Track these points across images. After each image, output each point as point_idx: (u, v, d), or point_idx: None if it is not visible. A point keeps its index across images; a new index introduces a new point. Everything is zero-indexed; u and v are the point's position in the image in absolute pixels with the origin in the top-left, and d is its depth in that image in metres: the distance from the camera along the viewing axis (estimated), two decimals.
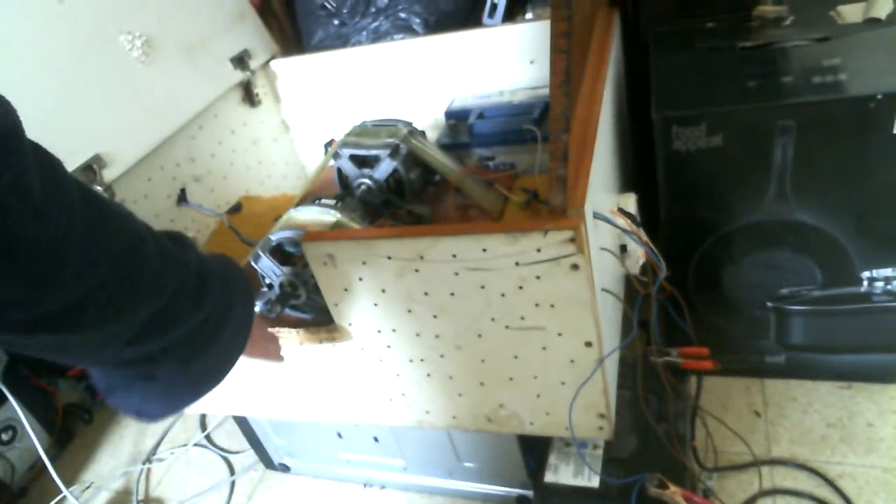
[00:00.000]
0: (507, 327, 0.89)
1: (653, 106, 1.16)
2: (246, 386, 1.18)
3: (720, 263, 1.31)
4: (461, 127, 1.42)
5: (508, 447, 1.22)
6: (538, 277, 0.82)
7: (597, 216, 0.89)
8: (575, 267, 0.79)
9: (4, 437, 1.66)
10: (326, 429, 1.40)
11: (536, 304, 0.85)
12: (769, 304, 1.32)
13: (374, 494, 1.47)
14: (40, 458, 1.65)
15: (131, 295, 0.57)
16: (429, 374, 1.00)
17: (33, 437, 1.64)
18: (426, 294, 0.89)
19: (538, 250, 0.79)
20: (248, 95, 1.59)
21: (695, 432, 1.25)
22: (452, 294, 0.87)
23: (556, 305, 0.84)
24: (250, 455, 1.62)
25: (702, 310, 1.38)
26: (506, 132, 1.35)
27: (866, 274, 1.22)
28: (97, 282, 0.53)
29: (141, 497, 1.64)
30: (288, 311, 1.07)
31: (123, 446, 1.82)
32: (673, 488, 0.94)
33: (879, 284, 1.23)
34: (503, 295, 0.85)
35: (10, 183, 0.44)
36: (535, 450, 1.27)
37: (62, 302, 0.51)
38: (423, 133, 1.29)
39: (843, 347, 1.34)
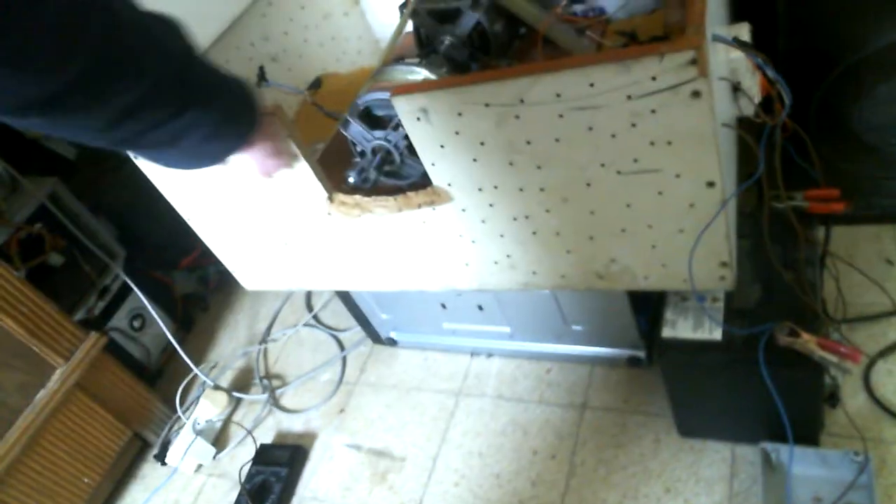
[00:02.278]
0: (618, 172, 0.82)
1: None
2: (346, 260, 1.19)
3: (848, 97, 1.16)
4: None
5: (618, 306, 1.18)
6: (653, 111, 0.74)
7: (716, 38, 0.78)
8: (696, 94, 0.71)
9: (136, 324, 1.79)
10: (430, 300, 1.40)
11: (651, 143, 0.77)
12: None
13: (481, 362, 1.49)
14: (169, 342, 1.77)
15: (107, 86, 0.59)
16: (534, 232, 0.96)
17: (161, 323, 1.75)
18: (528, 142, 0.83)
19: (653, 79, 0.71)
20: None
21: (823, 282, 1.16)
22: (557, 140, 0.81)
23: (673, 143, 0.76)
24: (358, 332, 1.67)
25: (825, 152, 1.24)
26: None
27: None
28: (77, 71, 0.55)
29: (262, 374, 1.74)
30: (383, 178, 1.04)
31: (239, 329, 1.93)
32: (806, 336, 0.88)
33: None
34: (614, 135, 0.78)
35: None
36: (645, 309, 1.23)
37: (44, 88, 0.54)
38: None
39: None
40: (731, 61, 0.98)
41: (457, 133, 0.85)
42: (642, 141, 0.78)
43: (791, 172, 1.13)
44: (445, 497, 1.29)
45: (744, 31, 1.03)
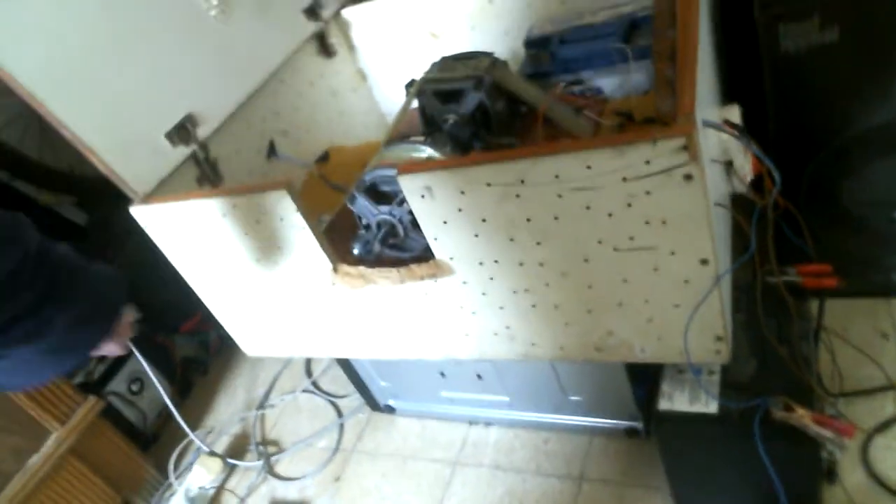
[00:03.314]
0: (615, 249, 0.85)
1: (755, 3, 1.06)
2: (347, 328, 1.20)
3: (838, 175, 1.21)
4: (542, 55, 1.35)
5: (616, 377, 1.19)
6: (648, 193, 0.77)
7: (706, 124, 0.83)
8: (688, 178, 0.74)
9: (134, 388, 1.78)
10: (429, 369, 1.41)
11: (647, 222, 0.81)
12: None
13: (479, 431, 1.48)
14: (166, 406, 1.76)
15: None
16: (534, 305, 0.98)
17: (159, 387, 1.75)
18: (528, 220, 0.86)
19: (647, 162, 0.75)
20: (324, 46, 1.58)
21: (818, 356, 1.18)
22: (556, 218, 0.84)
23: (668, 222, 0.80)
24: (356, 398, 1.67)
25: (818, 228, 1.28)
26: (590, 55, 1.28)
27: None
28: None
29: (258, 439, 1.73)
30: (387, 250, 1.07)
31: (238, 395, 1.92)
32: (801, 411, 0.89)
33: None
34: (610, 215, 0.81)
35: None
36: (643, 380, 1.23)
37: None
38: (505, 63, 1.24)
39: None
40: (722, 141, 1.02)
41: (459, 210, 0.89)
42: (638, 220, 0.81)
43: (784, 248, 1.16)
44: None
45: (734, 114, 1.09)
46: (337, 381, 1.77)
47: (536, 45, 1.36)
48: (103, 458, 1.53)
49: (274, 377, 1.90)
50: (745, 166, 1.07)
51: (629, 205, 0.80)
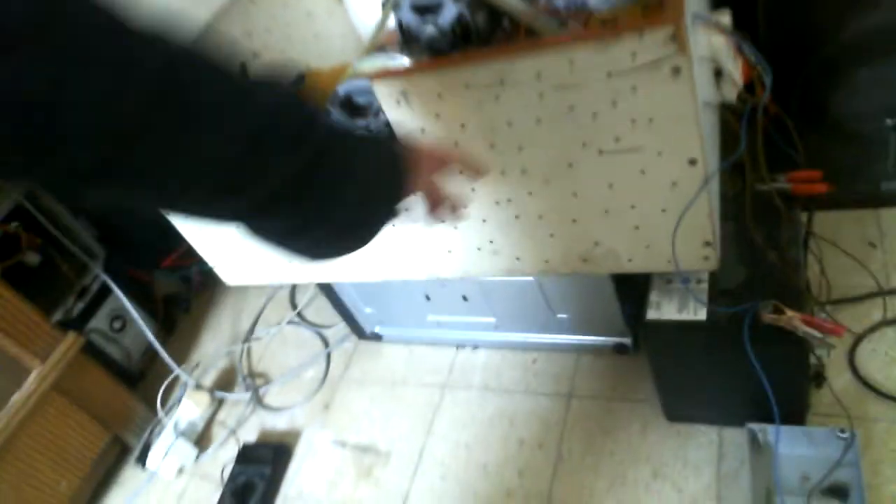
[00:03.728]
0: (600, 152, 0.82)
1: None
2: None
3: (829, 84, 1.17)
4: None
5: (603, 292, 1.18)
6: (634, 88, 0.73)
7: (696, 17, 0.78)
8: (676, 71, 0.70)
9: (116, 325, 1.76)
10: (414, 292, 1.39)
11: (633, 121, 0.77)
12: (889, 121, 1.18)
13: (467, 354, 1.48)
14: (150, 344, 1.74)
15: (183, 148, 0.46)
16: (517, 216, 0.95)
17: (141, 324, 1.73)
18: (509, 124, 0.82)
19: (633, 55, 0.70)
20: None
21: (807, 263, 1.17)
22: (538, 120, 0.80)
23: (654, 120, 0.76)
24: (342, 328, 1.66)
25: (808, 137, 1.25)
26: None
27: None
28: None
29: (246, 372, 1.72)
30: None
31: (222, 329, 1.90)
32: (790, 312, 0.88)
33: None
34: (595, 114, 0.77)
35: None
36: (632, 297, 1.22)
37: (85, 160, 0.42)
38: None
39: None
40: (712, 46, 0.98)
41: (437, 116, 0.84)
42: (624, 119, 0.77)
43: (776, 158, 1.13)
44: (432, 490, 1.27)
45: (725, 17, 1.04)
46: (322, 312, 1.76)
47: None
48: (88, 394, 1.52)
49: (259, 310, 1.88)
50: (736, 72, 1.03)
51: (614, 103, 0.76)
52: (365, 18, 1.62)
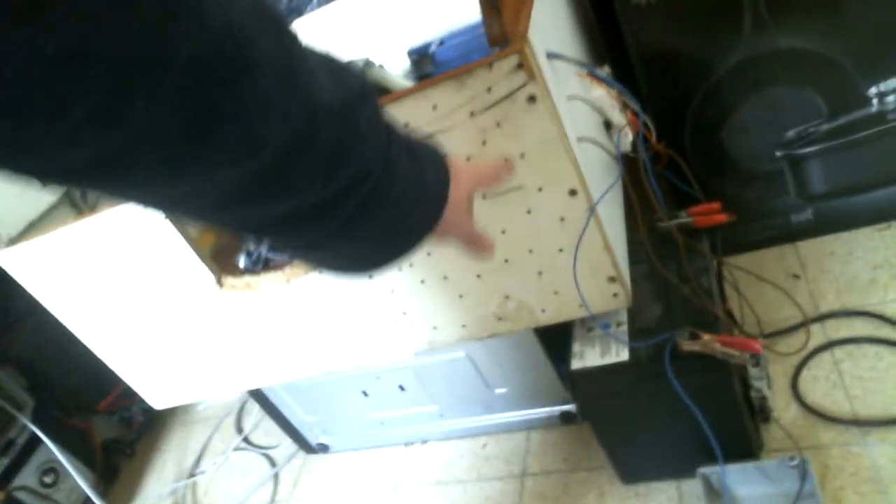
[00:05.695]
0: (483, 197, 0.82)
1: None
2: (251, 354, 1.13)
3: (716, 121, 1.23)
4: (424, 60, 1.36)
5: (534, 355, 1.14)
6: (498, 125, 0.75)
7: (551, 56, 0.82)
8: (532, 99, 0.73)
9: (47, 479, 1.64)
10: (350, 390, 1.34)
11: (505, 161, 0.78)
12: (778, 153, 1.23)
13: (416, 451, 1.40)
14: (88, 496, 1.62)
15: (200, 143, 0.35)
16: (422, 280, 0.94)
17: (75, 476, 1.62)
18: None
19: (489, 90, 0.73)
20: None
21: (725, 295, 1.16)
22: None
23: (526, 154, 0.78)
24: (290, 446, 1.57)
25: (710, 182, 1.29)
26: (469, 53, 1.29)
27: (873, 90, 1.12)
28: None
29: None
30: (270, 254, 1.02)
31: (167, 469, 1.79)
32: (707, 336, 0.86)
33: (891, 99, 1.13)
34: (468, 158, 0.79)
35: None
36: (563, 356, 1.19)
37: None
38: (381, 66, 1.23)
39: (871, 183, 1.23)
40: (596, 98, 1.02)
41: None
42: (496, 158, 0.78)
43: (681, 199, 1.16)
44: None
45: (604, 69, 1.09)
46: (269, 433, 1.67)
47: (417, 52, 1.37)
48: None
49: (204, 443, 1.78)
50: (622, 119, 1.07)
51: (484, 143, 0.77)
52: None
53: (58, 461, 1.64)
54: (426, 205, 0.52)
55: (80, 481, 1.63)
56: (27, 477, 1.60)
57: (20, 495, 1.56)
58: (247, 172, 0.38)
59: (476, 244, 0.62)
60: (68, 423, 1.76)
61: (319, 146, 0.40)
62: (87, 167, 0.34)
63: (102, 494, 1.67)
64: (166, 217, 0.93)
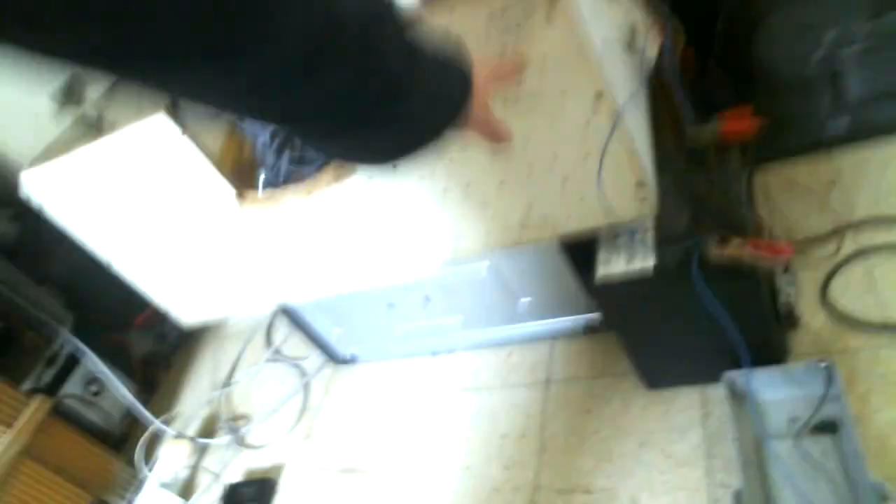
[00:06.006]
0: (504, 100, 0.79)
1: None
2: (278, 271, 1.15)
3: (749, 28, 1.16)
4: None
5: (558, 265, 1.14)
6: (519, 25, 0.72)
7: None
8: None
9: (92, 389, 1.72)
10: (376, 303, 1.35)
11: (518, 55, 0.75)
12: (816, 55, 1.16)
13: (443, 361, 1.43)
14: (132, 405, 1.70)
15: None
16: (445, 189, 0.93)
17: (118, 385, 1.69)
18: None
19: None
20: None
21: (755, 203, 1.13)
22: None
23: (548, 56, 0.74)
24: (319, 357, 1.62)
25: (741, 92, 1.23)
26: None
27: None
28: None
29: (228, 416, 1.67)
30: (293, 166, 1.01)
31: (203, 380, 1.86)
32: (734, 240, 0.84)
33: None
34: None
35: None
36: (588, 266, 1.19)
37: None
38: None
39: None
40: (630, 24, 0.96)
41: None
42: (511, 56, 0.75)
43: (708, 111, 1.11)
44: (420, 502, 1.21)
45: None
46: (298, 346, 1.72)
47: None
48: (62, 458, 1.47)
49: (237, 356, 1.84)
50: (650, 27, 1.02)
51: (505, 45, 0.74)
52: None
53: (101, 373, 1.71)
54: (450, 95, 0.53)
55: (123, 390, 1.70)
56: (73, 386, 1.67)
57: (70, 403, 1.64)
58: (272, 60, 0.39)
59: (495, 134, 0.63)
60: (107, 339, 1.82)
61: (346, 37, 0.42)
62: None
63: (145, 404, 1.74)
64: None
